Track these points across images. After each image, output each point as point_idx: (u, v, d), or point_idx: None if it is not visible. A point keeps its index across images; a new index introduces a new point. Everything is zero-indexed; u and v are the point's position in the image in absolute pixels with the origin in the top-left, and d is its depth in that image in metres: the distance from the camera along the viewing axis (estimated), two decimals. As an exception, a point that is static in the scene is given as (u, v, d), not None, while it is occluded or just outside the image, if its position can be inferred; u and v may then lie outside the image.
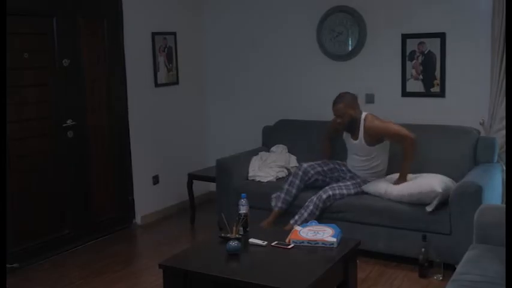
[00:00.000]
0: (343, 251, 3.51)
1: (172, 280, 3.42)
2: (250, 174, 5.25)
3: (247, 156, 5.43)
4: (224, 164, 5.25)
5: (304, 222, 4.30)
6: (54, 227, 4.93)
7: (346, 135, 4.93)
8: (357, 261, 3.81)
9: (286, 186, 4.81)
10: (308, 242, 3.57)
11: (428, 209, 4.24)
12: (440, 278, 4.15)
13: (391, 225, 4.43)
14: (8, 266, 4.50)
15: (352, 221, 4.54)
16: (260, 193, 4.95)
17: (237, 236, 3.63)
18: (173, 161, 6.05)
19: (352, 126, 4.78)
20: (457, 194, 4.17)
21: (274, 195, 4.86)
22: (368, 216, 4.52)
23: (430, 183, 4.28)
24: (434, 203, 4.23)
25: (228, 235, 3.64)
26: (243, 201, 3.84)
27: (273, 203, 4.82)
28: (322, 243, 3.55)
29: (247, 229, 3.82)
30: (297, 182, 4.81)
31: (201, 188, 6.05)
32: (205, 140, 6.55)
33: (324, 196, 4.60)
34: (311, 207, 4.59)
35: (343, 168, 4.96)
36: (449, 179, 4.47)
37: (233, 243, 3.46)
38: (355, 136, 4.79)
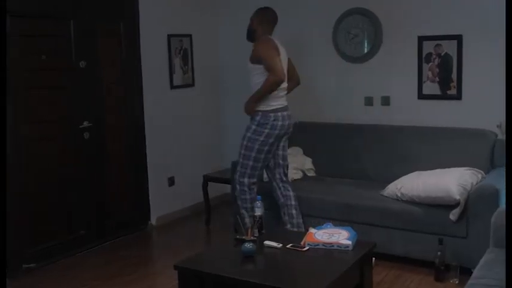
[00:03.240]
0: (358, 254, 3.50)
1: (187, 282, 3.43)
2: (265, 176, 5.24)
3: (262, 158, 5.42)
4: (239, 166, 5.24)
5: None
6: (70, 228, 4.96)
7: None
8: (373, 264, 3.79)
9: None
10: (323, 245, 3.57)
11: (452, 217, 4.19)
12: (457, 281, 4.11)
13: (407, 228, 4.40)
14: (24, 266, 4.56)
15: (368, 224, 4.52)
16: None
17: (252, 238, 3.64)
18: (189, 163, 6.06)
19: (250, 37, 4.87)
20: (474, 197, 4.14)
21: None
22: (384, 218, 4.50)
23: (448, 188, 4.21)
24: (458, 211, 4.17)
25: (243, 237, 3.65)
26: (258, 203, 3.85)
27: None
28: (338, 246, 3.55)
29: (263, 231, 3.83)
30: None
31: (217, 189, 6.06)
32: (221, 142, 6.56)
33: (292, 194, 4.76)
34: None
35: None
36: (468, 173, 4.42)
37: (248, 245, 3.47)
38: None
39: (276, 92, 4.61)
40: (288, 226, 4.72)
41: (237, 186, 4.72)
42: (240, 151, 4.69)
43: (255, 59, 4.67)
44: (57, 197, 4.84)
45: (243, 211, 4.69)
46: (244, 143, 4.66)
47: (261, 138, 4.60)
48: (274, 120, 4.60)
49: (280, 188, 4.80)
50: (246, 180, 4.68)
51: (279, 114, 4.62)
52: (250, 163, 4.65)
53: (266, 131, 4.59)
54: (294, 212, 4.73)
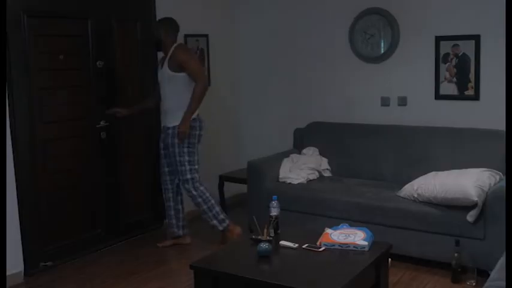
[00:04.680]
0: (374, 255, 3.49)
1: (203, 281, 3.44)
2: (281, 176, 5.24)
3: (278, 158, 5.43)
4: (255, 166, 5.25)
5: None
6: (87, 226, 5.00)
7: (159, 68, 5.05)
8: (389, 265, 3.78)
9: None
10: (339, 245, 3.56)
11: (469, 219, 4.17)
12: (474, 283, 4.09)
13: (423, 229, 4.38)
14: (42, 264, 4.59)
15: (384, 225, 4.50)
16: (291, 195, 4.94)
17: (267, 238, 3.64)
18: (204, 163, 6.04)
19: (159, 47, 4.98)
20: (492, 198, 4.11)
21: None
22: (400, 219, 4.47)
23: (465, 189, 4.18)
24: (476, 212, 4.14)
25: (259, 237, 3.65)
26: (274, 203, 3.85)
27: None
28: (354, 247, 3.54)
29: (278, 231, 3.83)
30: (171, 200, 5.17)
31: (232, 189, 6.06)
32: (237, 142, 6.56)
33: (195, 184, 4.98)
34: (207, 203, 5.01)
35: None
36: (486, 174, 4.38)
37: (264, 245, 3.47)
38: (162, 64, 4.95)
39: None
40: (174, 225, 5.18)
41: (202, 191, 4.99)
42: (183, 162, 4.91)
43: (177, 67, 4.79)
44: (74, 196, 4.87)
45: (215, 221, 5.07)
46: (185, 150, 4.88)
47: (195, 140, 4.95)
48: (200, 122, 4.96)
49: (179, 193, 5.16)
50: (198, 184, 4.98)
51: (199, 116, 4.97)
52: (197, 166, 4.99)
53: (197, 132, 4.93)
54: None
